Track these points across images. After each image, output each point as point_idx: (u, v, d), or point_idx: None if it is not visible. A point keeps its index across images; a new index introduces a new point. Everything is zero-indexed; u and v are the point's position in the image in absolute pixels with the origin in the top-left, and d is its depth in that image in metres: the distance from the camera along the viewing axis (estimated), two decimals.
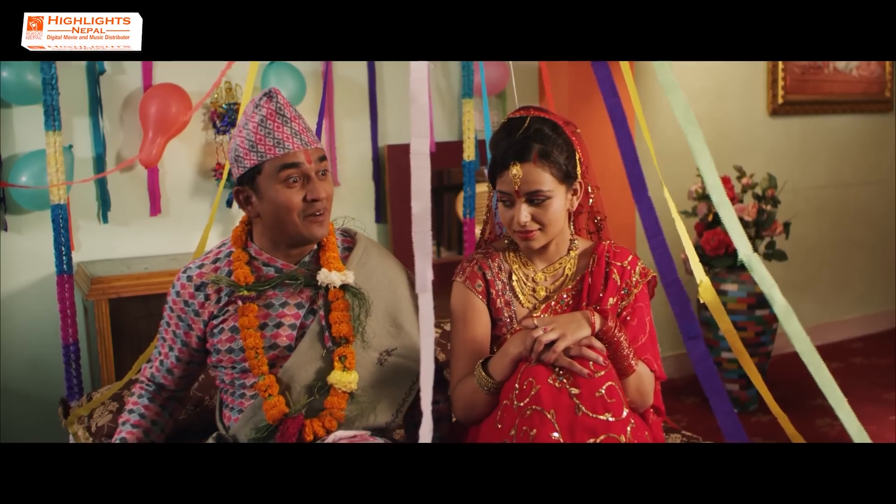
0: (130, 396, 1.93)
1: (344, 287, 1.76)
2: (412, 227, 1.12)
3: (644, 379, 1.74)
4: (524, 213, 1.72)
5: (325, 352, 1.75)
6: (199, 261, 1.82)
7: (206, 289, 1.78)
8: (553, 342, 1.61)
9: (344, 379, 1.71)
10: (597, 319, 1.66)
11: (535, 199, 1.71)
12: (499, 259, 1.85)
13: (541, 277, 1.83)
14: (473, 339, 1.79)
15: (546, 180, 1.71)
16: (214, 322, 1.77)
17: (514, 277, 1.83)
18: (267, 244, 1.78)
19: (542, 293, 1.82)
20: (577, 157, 1.77)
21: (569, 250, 1.83)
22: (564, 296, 1.80)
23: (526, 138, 1.72)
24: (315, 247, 1.81)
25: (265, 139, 1.68)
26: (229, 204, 3.17)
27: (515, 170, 1.70)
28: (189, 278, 1.80)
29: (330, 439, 1.73)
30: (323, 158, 1.74)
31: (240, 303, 1.73)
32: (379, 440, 1.76)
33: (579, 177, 1.78)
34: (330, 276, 1.75)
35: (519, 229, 1.73)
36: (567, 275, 1.82)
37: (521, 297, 1.82)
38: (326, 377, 1.72)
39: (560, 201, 1.74)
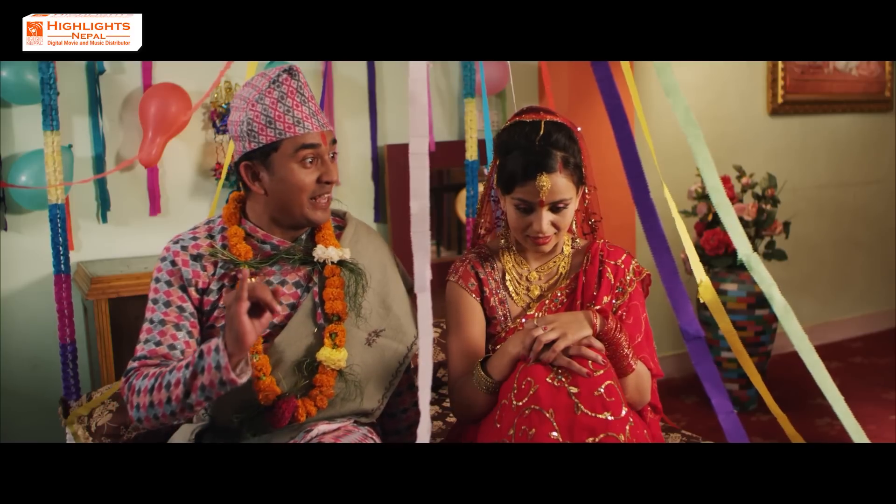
0: (134, 381, 1.62)
1: (341, 263, 1.76)
2: (411, 227, 1.12)
3: (642, 377, 1.74)
4: (546, 221, 1.72)
5: (317, 329, 1.73)
6: (191, 234, 1.77)
7: (202, 260, 1.74)
8: (553, 342, 1.61)
9: (334, 356, 1.70)
10: (598, 320, 1.66)
11: (559, 206, 1.72)
12: (492, 258, 1.86)
13: (535, 276, 1.83)
14: (469, 339, 1.79)
15: (568, 188, 1.72)
16: (207, 297, 1.73)
17: (507, 276, 1.83)
18: (265, 222, 1.75)
19: (536, 291, 1.82)
20: (583, 160, 1.78)
21: (563, 249, 1.84)
22: (559, 294, 1.81)
23: (548, 146, 1.70)
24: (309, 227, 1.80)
25: (284, 117, 1.66)
26: None
27: (544, 180, 1.69)
28: (184, 248, 1.74)
29: (314, 433, 1.72)
30: (334, 141, 1.75)
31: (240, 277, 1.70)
32: (362, 430, 1.75)
33: (584, 178, 1.79)
34: (328, 252, 1.75)
35: (535, 235, 1.74)
36: (561, 273, 1.83)
37: (515, 296, 1.82)
38: (315, 354, 1.71)
39: (574, 205, 1.76)
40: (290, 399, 1.68)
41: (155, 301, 1.72)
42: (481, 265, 1.85)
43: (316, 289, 1.75)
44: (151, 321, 1.70)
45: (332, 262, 1.75)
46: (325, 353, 1.70)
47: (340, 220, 1.88)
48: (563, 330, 1.62)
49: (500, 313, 1.82)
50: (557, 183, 1.70)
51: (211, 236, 1.76)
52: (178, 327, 1.69)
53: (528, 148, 1.71)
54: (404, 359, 1.83)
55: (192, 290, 1.71)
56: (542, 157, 1.69)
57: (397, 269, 1.89)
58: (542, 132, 1.72)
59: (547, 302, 1.80)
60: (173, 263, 1.73)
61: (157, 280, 1.74)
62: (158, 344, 1.66)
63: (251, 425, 1.70)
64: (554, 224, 1.73)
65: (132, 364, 1.66)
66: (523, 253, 1.84)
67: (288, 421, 1.68)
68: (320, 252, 1.75)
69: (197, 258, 1.73)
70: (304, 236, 1.79)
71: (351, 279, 1.75)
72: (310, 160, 1.69)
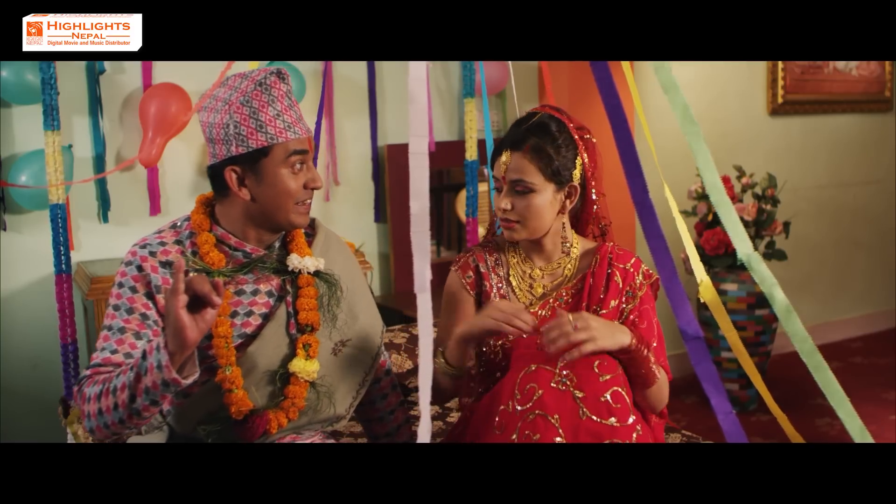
0: (85, 389, 1.56)
1: (316, 274, 1.72)
2: (411, 227, 1.12)
3: (663, 386, 1.74)
4: (505, 199, 1.75)
5: (290, 339, 1.70)
6: (158, 238, 1.68)
7: (171, 267, 1.64)
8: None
9: (307, 368, 1.66)
10: (633, 340, 1.64)
11: (518, 188, 1.74)
12: (497, 254, 1.86)
13: (538, 274, 1.83)
14: (449, 328, 1.80)
15: (531, 172, 1.72)
16: None
17: (511, 272, 1.84)
18: (238, 228, 1.69)
19: (540, 290, 1.82)
20: (580, 162, 1.77)
21: (569, 251, 1.83)
22: (564, 293, 1.80)
23: (526, 130, 1.75)
24: (282, 232, 1.75)
25: (275, 121, 1.61)
26: None
27: (505, 157, 1.75)
28: (152, 253, 1.65)
29: (286, 443, 1.69)
30: (315, 146, 1.73)
31: None
32: (330, 441, 1.73)
33: (574, 180, 1.77)
34: (303, 262, 1.70)
35: (501, 216, 1.77)
36: (566, 275, 1.82)
37: (518, 292, 1.82)
38: (287, 364, 1.67)
39: (544, 198, 1.74)
40: (264, 413, 1.64)
41: (117, 307, 1.63)
42: (485, 259, 1.86)
43: (289, 298, 1.71)
44: (110, 328, 1.62)
45: (308, 273, 1.71)
46: (299, 365, 1.66)
47: (309, 228, 1.83)
48: (593, 333, 1.58)
49: None
50: (518, 162, 1.73)
51: (179, 242, 1.69)
52: (138, 336, 1.61)
53: (512, 130, 1.78)
54: (370, 369, 1.80)
55: (160, 298, 1.63)
56: (514, 136, 1.75)
57: (364, 277, 1.87)
58: (531, 119, 1.76)
59: (551, 301, 1.80)
60: (140, 269, 1.64)
61: (121, 285, 1.64)
62: (114, 352, 1.59)
63: (219, 437, 1.64)
64: (516, 209, 1.74)
65: (85, 372, 1.59)
66: (528, 251, 1.84)
67: (260, 435, 1.64)
68: (296, 262, 1.70)
69: (166, 265, 1.65)
70: (277, 244, 1.74)
71: (325, 290, 1.72)
72: (299, 166, 1.65)
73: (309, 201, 1.70)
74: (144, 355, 1.46)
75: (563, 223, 1.81)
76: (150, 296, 1.63)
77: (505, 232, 1.79)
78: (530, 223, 1.75)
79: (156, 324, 1.63)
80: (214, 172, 1.67)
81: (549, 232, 1.79)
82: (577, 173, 1.77)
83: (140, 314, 1.62)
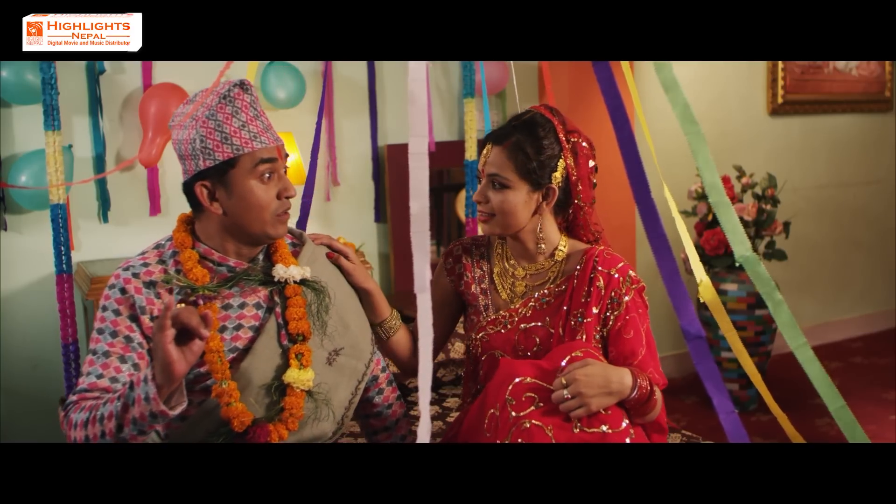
0: (71, 415, 1.57)
1: (303, 282, 1.72)
2: (411, 227, 1.12)
3: (660, 401, 1.70)
4: (480, 191, 1.79)
5: (282, 350, 1.69)
6: (141, 260, 1.69)
7: (155, 287, 1.65)
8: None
9: (302, 377, 1.65)
10: (633, 393, 1.61)
11: (494, 181, 1.76)
12: (485, 248, 1.89)
13: (520, 273, 1.83)
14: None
15: (507, 168, 1.74)
16: None
17: (495, 269, 1.85)
18: (218, 243, 1.69)
19: (521, 289, 1.82)
20: (562, 165, 1.76)
21: (552, 253, 1.82)
22: (546, 292, 1.79)
23: (513, 127, 1.77)
24: (263, 245, 1.75)
25: (240, 132, 1.61)
26: None
27: (487, 149, 1.78)
28: (135, 275, 1.65)
29: None
30: (286, 156, 1.73)
31: (201, 303, 1.64)
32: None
33: (554, 182, 1.76)
34: (289, 271, 1.70)
35: (478, 207, 1.80)
36: (549, 277, 1.80)
37: (500, 289, 1.83)
38: (282, 376, 1.66)
39: (518, 197, 1.74)
40: (264, 425, 1.63)
41: (101, 331, 1.63)
42: (470, 252, 1.90)
43: (278, 309, 1.70)
44: (95, 352, 1.62)
45: (294, 282, 1.71)
46: (293, 375, 1.65)
47: (295, 239, 1.83)
48: (585, 400, 1.57)
49: (482, 302, 1.83)
50: (497, 156, 1.76)
51: (162, 261, 1.69)
52: (123, 359, 1.61)
53: (502, 126, 1.80)
54: (363, 376, 1.79)
55: (144, 319, 1.63)
56: (500, 131, 1.78)
57: (353, 287, 1.86)
58: (523, 117, 1.78)
59: (532, 301, 1.79)
60: (123, 291, 1.64)
61: (105, 309, 1.64)
62: (100, 377, 1.59)
63: None
64: (490, 201, 1.76)
65: (71, 398, 1.59)
66: (512, 249, 1.84)
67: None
68: (281, 271, 1.70)
69: (150, 285, 1.65)
70: (260, 256, 1.74)
71: (313, 297, 1.72)
72: (268, 175, 1.64)
73: (287, 210, 1.69)
74: (132, 386, 1.45)
75: (541, 224, 1.79)
76: (135, 318, 1.63)
77: (481, 225, 1.81)
78: (502, 219, 1.77)
79: (140, 346, 1.63)
80: (188, 189, 1.67)
81: (526, 231, 1.79)
82: (557, 175, 1.76)
83: (124, 337, 1.62)
